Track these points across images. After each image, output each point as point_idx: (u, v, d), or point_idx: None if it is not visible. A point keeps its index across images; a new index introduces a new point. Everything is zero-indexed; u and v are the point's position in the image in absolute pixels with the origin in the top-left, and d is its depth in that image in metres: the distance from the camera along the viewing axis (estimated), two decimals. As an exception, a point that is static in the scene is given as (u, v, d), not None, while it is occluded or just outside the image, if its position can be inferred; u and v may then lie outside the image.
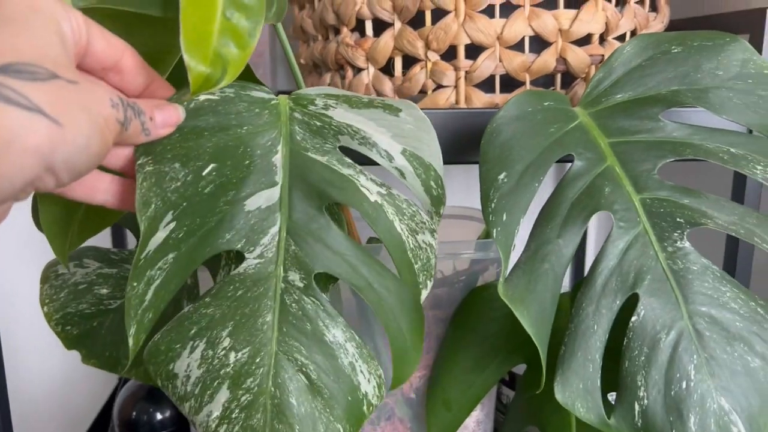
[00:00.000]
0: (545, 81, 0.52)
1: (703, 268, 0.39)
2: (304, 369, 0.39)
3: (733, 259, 0.58)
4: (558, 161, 0.42)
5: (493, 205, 0.40)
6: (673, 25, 0.63)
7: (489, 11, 0.49)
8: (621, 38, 0.53)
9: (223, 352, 0.38)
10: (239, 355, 0.38)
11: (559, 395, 0.40)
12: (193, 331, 0.39)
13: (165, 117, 0.36)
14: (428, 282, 0.43)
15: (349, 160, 0.42)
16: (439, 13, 0.50)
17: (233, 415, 0.38)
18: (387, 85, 0.53)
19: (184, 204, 0.38)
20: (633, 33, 0.54)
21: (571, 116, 0.44)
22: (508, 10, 0.49)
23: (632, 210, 0.41)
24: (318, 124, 0.42)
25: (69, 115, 0.27)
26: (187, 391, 0.39)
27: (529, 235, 0.42)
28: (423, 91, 0.52)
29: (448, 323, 0.57)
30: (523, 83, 0.51)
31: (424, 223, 0.42)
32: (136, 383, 0.70)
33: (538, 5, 0.50)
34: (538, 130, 0.42)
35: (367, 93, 0.54)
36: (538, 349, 0.39)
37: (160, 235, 0.37)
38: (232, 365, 0.38)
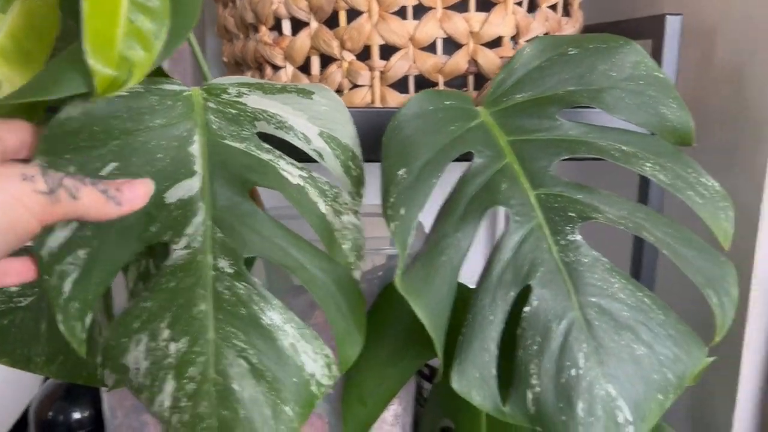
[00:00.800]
0: (458, 82, 0.54)
1: (594, 260, 0.41)
2: (243, 354, 0.39)
3: (639, 262, 0.61)
4: (458, 159, 0.44)
5: (392, 199, 0.41)
6: (587, 29, 0.65)
7: (402, 13, 0.51)
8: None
9: (164, 343, 0.39)
10: (179, 344, 0.39)
11: (455, 384, 0.41)
12: (136, 325, 0.39)
13: (133, 189, 0.37)
14: (359, 262, 0.44)
15: (268, 146, 0.43)
16: (353, 14, 0.51)
17: (182, 404, 0.39)
18: (305, 83, 0.54)
19: None
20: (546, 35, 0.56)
21: (472, 115, 0.45)
22: (420, 11, 0.51)
23: (528, 205, 0.42)
24: (233, 111, 0.43)
25: None
26: (140, 382, 0.39)
27: (430, 229, 0.43)
28: (339, 90, 0.53)
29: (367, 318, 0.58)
30: (436, 84, 0.53)
31: (347, 204, 0.43)
32: (54, 383, 0.69)
33: (449, 7, 0.51)
34: (439, 128, 0.43)
35: None
36: (434, 341, 0.40)
37: (61, 234, 0.38)
38: (173, 355, 0.39)
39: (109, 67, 0.34)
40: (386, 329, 0.56)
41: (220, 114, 0.42)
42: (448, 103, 0.45)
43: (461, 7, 0.51)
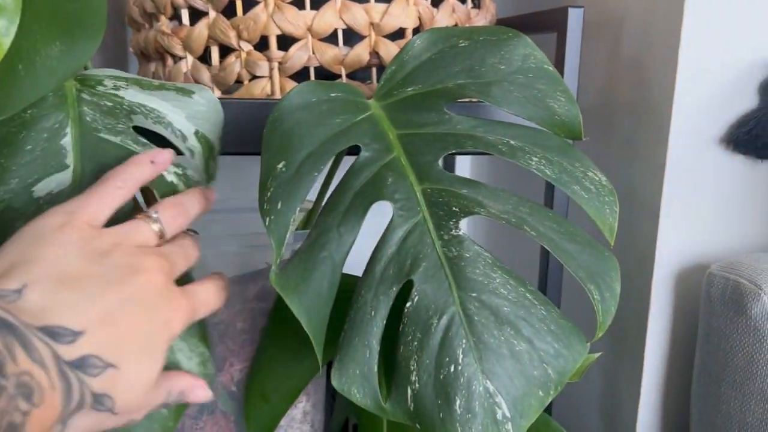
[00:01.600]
0: (362, 74, 0.53)
1: (476, 254, 0.40)
2: None
3: (545, 268, 0.61)
4: (343, 152, 0.43)
5: (269, 193, 0.40)
6: (500, 22, 0.65)
7: (299, 2, 0.50)
8: None
9: None
10: None
11: (335, 381, 0.40)
12: None
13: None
14: None
15: (144, 140, 0.41)
16: (250, 3, 0.50)
17: None
18: (205, 74, 0.52)
19: None
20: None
21: (362, 108, 0.45)
22: (319, 2, 0.50)
23: (413, 200, 0.41)
24: (109, 104, 0.42)
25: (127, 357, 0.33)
26: None
27: (313, 224, 0.42)
28: (239, 81, 0.52)
29: (269, 315, 0.57)
30: (339, 76, 0.52)
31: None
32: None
33: None
34: (322, 120, 0.42)
35: (187, 82, 0.54)
36: (311, 339, 0.40)
37: None
38: None
39: None
40: (290, 326, 0.55)
41: (95, 106, 0.41)
42: (334, 95, 0.44)
43: None
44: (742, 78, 0.62)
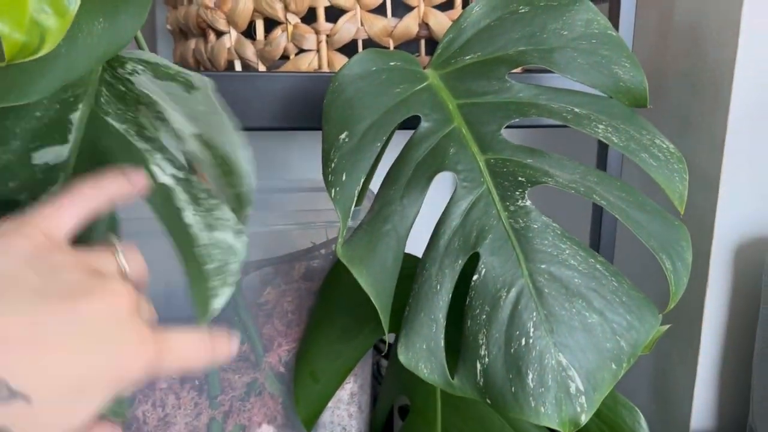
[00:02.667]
0: (410, 47, 0.52)
1: (544, 225, 0.39)
2: None
3: (598, 231, 0.60)
4: (403, 124, 0.42)
5: (333, 165, 0.39)
6: None
7: None
8: None
9: None
10: None
11: (402, 356, 0.39)
12: None
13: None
14: (224, 289, 0.36)
15: (150, 134, 0.38)
16: None
17: None
18: (249, 49, 0.51)
19: None
20: None
21: (420, 77, 0.44)
22: None
23: (476, 170, 0.40)
24: (122, 89, 0.40)
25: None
26: None
27: (375, 197, 0.41)
28: (285, 56, 0.51)
29: (317, 294, 0.56)
30: (387, 48, 0.51)
31: (227, 221, 0.37)
32: None
33: None
34: (383, 90, 0.41)
35: (230, 58, 0.52)
36: (378, 311, 0.38)
37: None
38: None
39: (18, 31, 0.32)
40: (338, 305, 0.54)
41: (111, 88, 0.39)
42: (392, 63, 0.43)
43: None
44: None
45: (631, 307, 0.39)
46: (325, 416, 0.62)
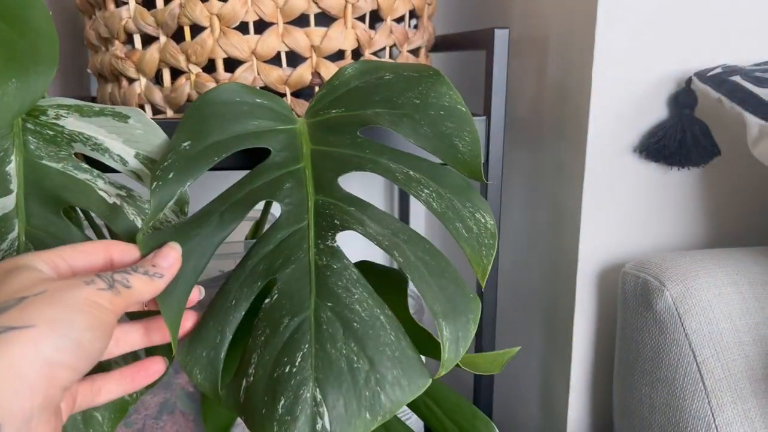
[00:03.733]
0: (307, 93, 0.56)
1: (343, 268, 0.41)
2: None
3: None
4: (249, 152, 0.45)
5: (165, 163, 0.42)
6: (436, 40, 0.69)
7: (243, 27, 0.54)
8: (379, 53, 0.58)
9: None
10: None
11: (179, 358, 0.41)
12: None
13: (165, 258, 0.39)
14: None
15: (86, 166, 0.45)
16: (197, 29, 0.54)
17: None
18: (157, 95, 0.57)
19: None
20: (394, 47, 0.59)
21: (287, 120, 0.48)
22: (262, 26, 0.54)
23: (304, 207, 0.43)
24: (51, 133, 0.45)
25: (41, 316, 0.31)
26: None
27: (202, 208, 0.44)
28: (190, 101, 0.56)
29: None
30: (284, 95, 0.55)
31: (170, 222, 0.45)
32: None
33: (290, 23, 0.54)
34: (239, 120, 0.45)
35: (140, 102, 0.58)
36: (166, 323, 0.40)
37: None
38: None
39: None
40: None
41: (38, 135, 0.45)
42: (259, 101, 0.47)
43: (303, 21, 0.54)
44: (652, 91, 0.67)
45: (403, 364, 0.39)
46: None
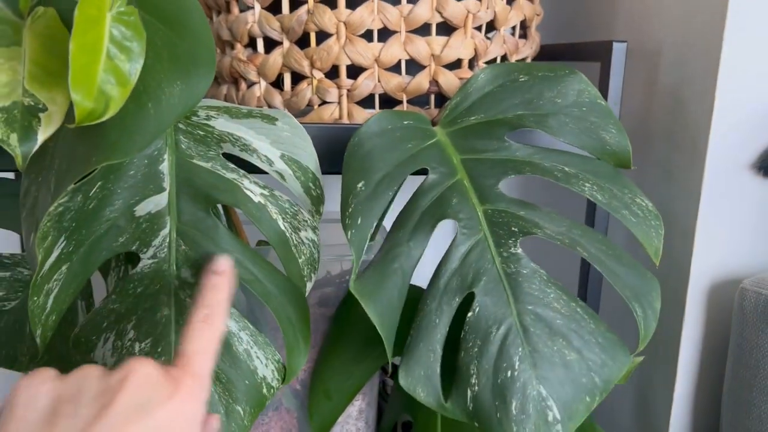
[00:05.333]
0: (421, 100, 0.57)
1: (533, 271, 0.44)
2: None
3: (585, 281, 0.64)
4: (414, 173, 0.47)
5: (350, 210, 0.44)
6: (543, 50, 0.69)
7: (368, 35, 0.54)
8: (492, 62, 0.59)
9: (129, 343, 0.43)
10: (143, 345, 0.43)
11: (402, 380, 0.44)
12: (104, 325, 0.43)
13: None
14: (312, 275, 0.48)
15: (233, 165, 0.46)
16: (323, 35, 0.54)
17: None
18: (277, 99, 0.57)
19: (74, 224, 0.41)
20: (504, 57, 0.59)
21: (429, 134, 0.49)
22: (385, 34, 0.54)
23: (475, 219, 0.46)
24: (201, 133, 0.46)
25: None
26: None
27: (384, 239, 0.47)
28: (310, 106, 0.57)
29: (332, 319, 0.62)
30: (401, 101, 0.56)
31: (306, 221, 0.47)
32: None
33: (412, 31, 0.54)
34: (396, 146, 0.47)
35: (259, 105, 0.58)
36: (384, 340, 0.44)
37: (54, 255, 0.41)
38: (137, 354, 0.42)
39: (87, 99, 0.36)
40: (351, 330, 0.60)
41: (189, 135, 0.46)
42: (406, 122, 0.49)
43: (424, 30, 0.54)
44: None
45: (606, 347, 0.44)
46: (335, 430, 0.67)
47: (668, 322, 0.76)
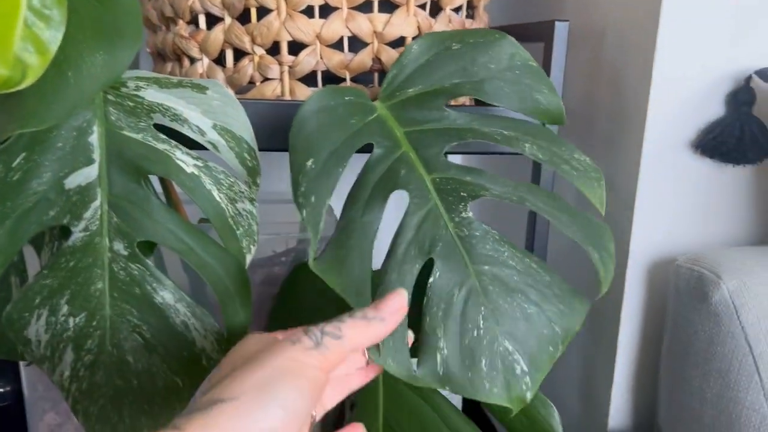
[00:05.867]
0: (364, 78, 0.57)
1: (485, 233, 0.45)
2: (137, 329, 0.43)
3: (532, 238, 0.67)
4: (359, 151, 0.47)
5: (302, 189, 0.44)
6: None
7: (309, 11, 0.54)
8: None
9: (63, 318, 0.43)
10: (77, 319, 0.42)
11: (372, 354, 0.44)
12: (37, 301, 0.42)
13: (390, 303, 0.39)
14: (252, 247, 0.47)
15: (164, 136, 0.45)
16: (263, 11, 0.54)
17: (80, 374, 0.43)
18: (219, 75, 0.56)
19: None
20: None
21: (370, 109, 0.49)
22: (327, 11, 0.54)
23: (424, 188, 0.46)
24: (131, 104, 0.45)
25: (243, 387, 0.32)
26: (42, 354, 0.43)
27: (340, 216, 0.47)
28: (252, 83, 0.56)
29: (276, 299, 0.61)
30: (344, 79, 0.56)
31: (243, 192, 0.47)
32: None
33: (354, 8, 0.55)
34: (340, 123, 0.47)
35: None
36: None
37: None
38: (72, 329, 0.42)
39: (4, 67, 0.35)
40: (297, 307, 0.59)
41: (118, 106, 0.45)
42: (347, 98, 0.49)
43: (366, 7, 0.55)
44: (711, 88, 0.68)
45: (563, 297, 0.45)
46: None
47: (608, 299, 0.78)
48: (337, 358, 0.36)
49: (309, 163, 0.45)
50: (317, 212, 0.44)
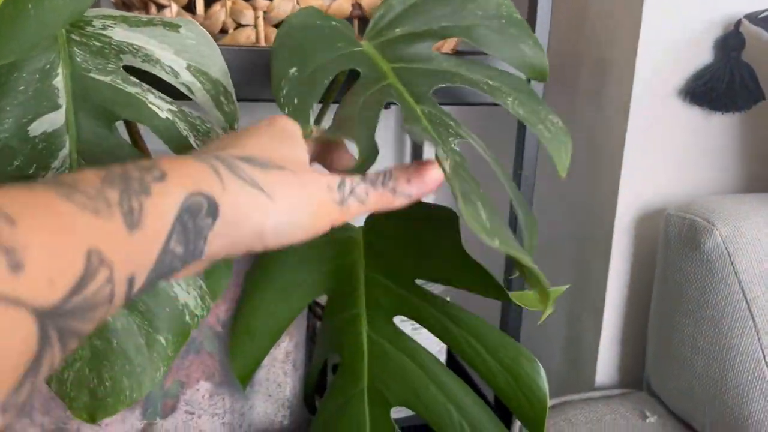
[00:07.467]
0: (345, 25, 0.56)
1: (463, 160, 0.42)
2: None
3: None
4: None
5: (284, 91, 0.42)
6: None
7: None
8: None
9: None
10: None
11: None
12: None
13: (426, 176, 0.37)
14: None
15: (135, 79, 0.43)
16: None
17: None
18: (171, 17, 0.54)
19: None
20: None
21: (355, 43, 0.48)
22: None
23: (416, 116, 0.43)
24: (98, 44, 0.43)
25: (282, 193, 0.33)
26: None
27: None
28: (224, 30, 0.54)
29: (252, 257, 0.59)
30: (322, 27, 0.55)
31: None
32: None
33: None
34: (327, 43, 0.46)
35: None
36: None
37: None
38: None
39: None
40: (275, 267, 0.57)
41: (84, 47, 0.42)
42: (334, 23, 0.48)
43: None
44: (700, 35, 0.69)
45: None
46: (261, 373, 0.64)
47: (596, 252, 0.78)
48: (349, 217, 0.37)
49: (292, 71, 0.43)
50: (302, 111, 0.41)
